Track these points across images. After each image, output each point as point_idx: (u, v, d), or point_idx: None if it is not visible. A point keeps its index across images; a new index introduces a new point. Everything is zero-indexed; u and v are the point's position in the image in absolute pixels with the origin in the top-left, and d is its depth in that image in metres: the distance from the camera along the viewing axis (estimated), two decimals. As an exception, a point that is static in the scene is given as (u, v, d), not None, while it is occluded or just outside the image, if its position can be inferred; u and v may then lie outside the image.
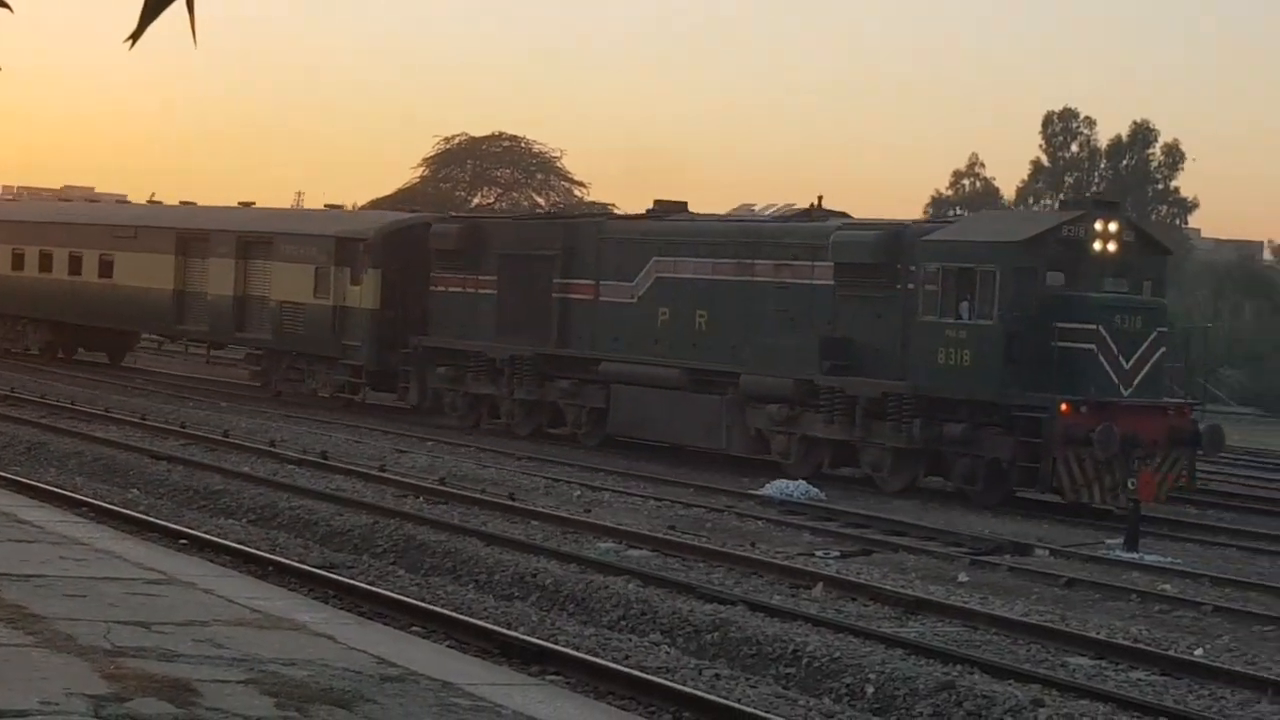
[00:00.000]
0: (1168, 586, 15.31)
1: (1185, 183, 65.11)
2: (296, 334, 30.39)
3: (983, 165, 68.19)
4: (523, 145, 58.17)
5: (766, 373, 22.84)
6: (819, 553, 16.33)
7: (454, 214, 29.18)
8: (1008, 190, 67.92)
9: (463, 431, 26.72)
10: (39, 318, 37.70)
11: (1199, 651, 12.21)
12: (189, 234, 33.84)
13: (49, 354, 37.70)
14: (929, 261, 20.77)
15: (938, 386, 20.73)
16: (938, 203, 67.17)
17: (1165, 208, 65.81)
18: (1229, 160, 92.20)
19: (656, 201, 26.68)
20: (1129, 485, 18.03)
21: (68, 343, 38.29)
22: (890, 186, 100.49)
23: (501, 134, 57.87)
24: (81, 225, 37.54)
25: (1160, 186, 65.42)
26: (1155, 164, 64.52)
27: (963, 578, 15.38)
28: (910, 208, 79.25)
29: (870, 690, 10.38)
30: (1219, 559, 17.63)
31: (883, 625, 12.55)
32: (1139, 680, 11.17)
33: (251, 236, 32.42)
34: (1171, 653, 12.02)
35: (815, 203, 24.35)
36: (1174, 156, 64.13)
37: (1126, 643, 12.26)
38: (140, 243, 34.79)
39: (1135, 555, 16.85)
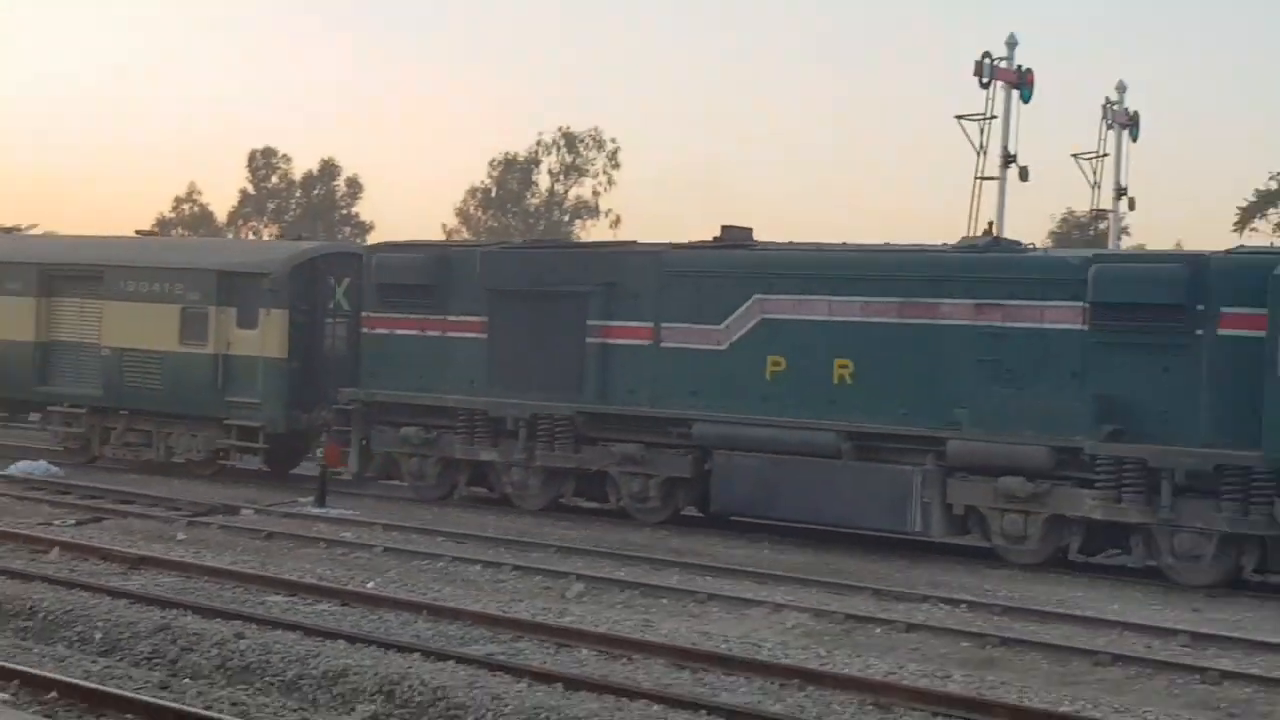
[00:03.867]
0: (348, 534, 22.50)
1: (363, 209, 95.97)
2: (144, 389, 29.12)
3: (200, 192, 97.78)
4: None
5: (996, 438, 21.26)
6: (56, 522, 22.50)
7: (398, 241, 28.35)
8: (220, 214, 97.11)
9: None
10: None
11: (371, 584, 18.24)
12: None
13: None
14: None
15: None
16: (162, 224, 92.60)
17: (349, 229, 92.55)
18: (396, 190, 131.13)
19: (724, 228, 25.79)
20: (318, 454, 26.10)
21: None
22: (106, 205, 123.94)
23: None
24: None
25: (345, 212, 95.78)
26: (340, 194, 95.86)
27: (181, 536, 21.87)
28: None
29: (98, 636, 14.77)
30: (391, 509, 25.38)
31: (110, 580, 17.62)
32: (324, 610, 16.57)
33: (66, 270, 30.81)
34: (350, 587, 17.85)
35: (988, 230, 23.82)
36: (355, 187, 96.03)
37: (314, 581, 18.13)
38: None
39: (324, 510, 24.69)
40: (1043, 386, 21.29)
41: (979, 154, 34.52)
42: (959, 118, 34.79)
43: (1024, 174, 34.30)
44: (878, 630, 17.02)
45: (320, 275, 28.79)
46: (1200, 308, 20.08)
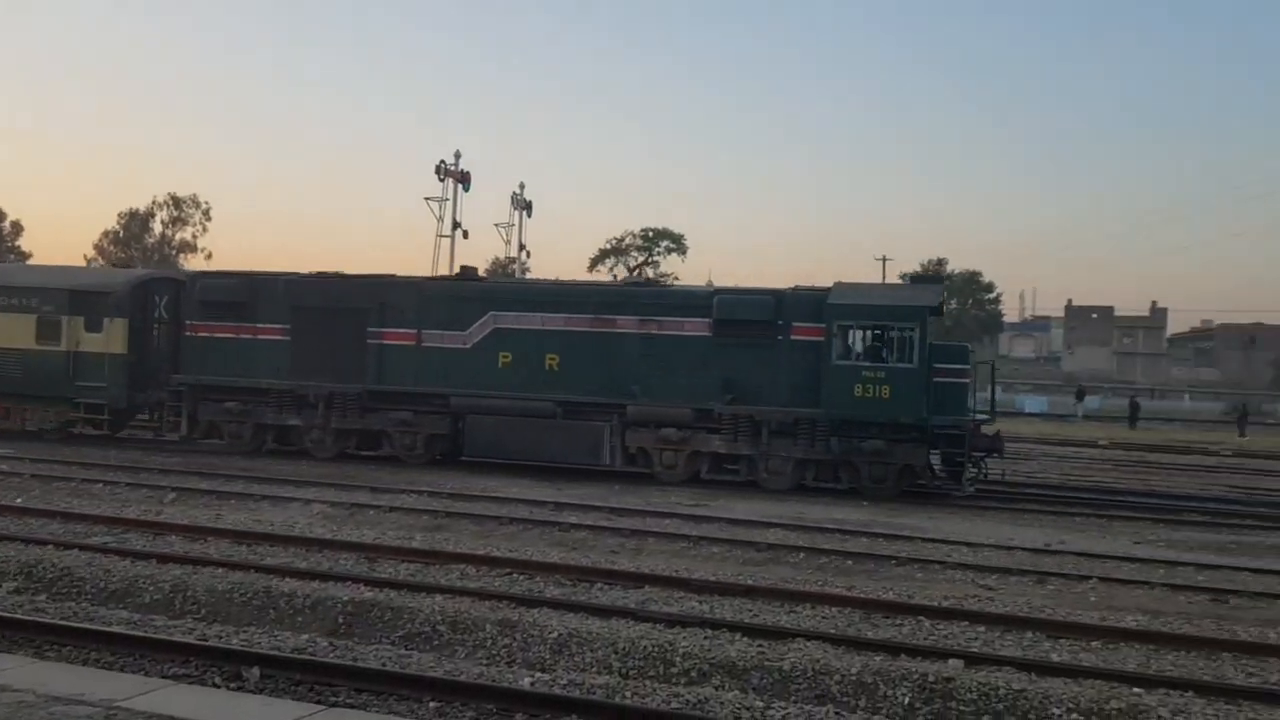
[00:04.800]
0: (4, 466, 22.68)
1: (25, 243, 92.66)
2: (5, 377, 28.09)
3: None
4: None
5: (658, 404, 23.84)
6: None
7: (216, 270, 28.19)
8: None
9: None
10: None
11: (19, 500, 18.57)
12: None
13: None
14: (840, 318, 22.38)
15: (855, 413, 22.56)
16: None
17: (13, 257, 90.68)
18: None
19: (463, 267, 27.70)
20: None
21: None
22: None
23: None
24: None
25: (10, 244, 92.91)
26: (6, 232, 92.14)
27: None
28: None
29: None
30: (39, 449, 25.56)
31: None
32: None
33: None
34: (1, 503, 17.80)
35: (641, 272, 27.98)
36: (18, 228, 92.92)
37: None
38: None
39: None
40: (685, 371, 23.71)
41: (439, 221, 42.42)
42: (426, 199, 42.80)
43: (466, 234, 42.39)
44: (371, 512, 18.58)
45: (149, 294, 28.46)
46: (781, 323, 23.15)
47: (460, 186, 42.54)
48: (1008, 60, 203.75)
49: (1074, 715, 9.40)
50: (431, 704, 9.05)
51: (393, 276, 26.83)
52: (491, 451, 24.99)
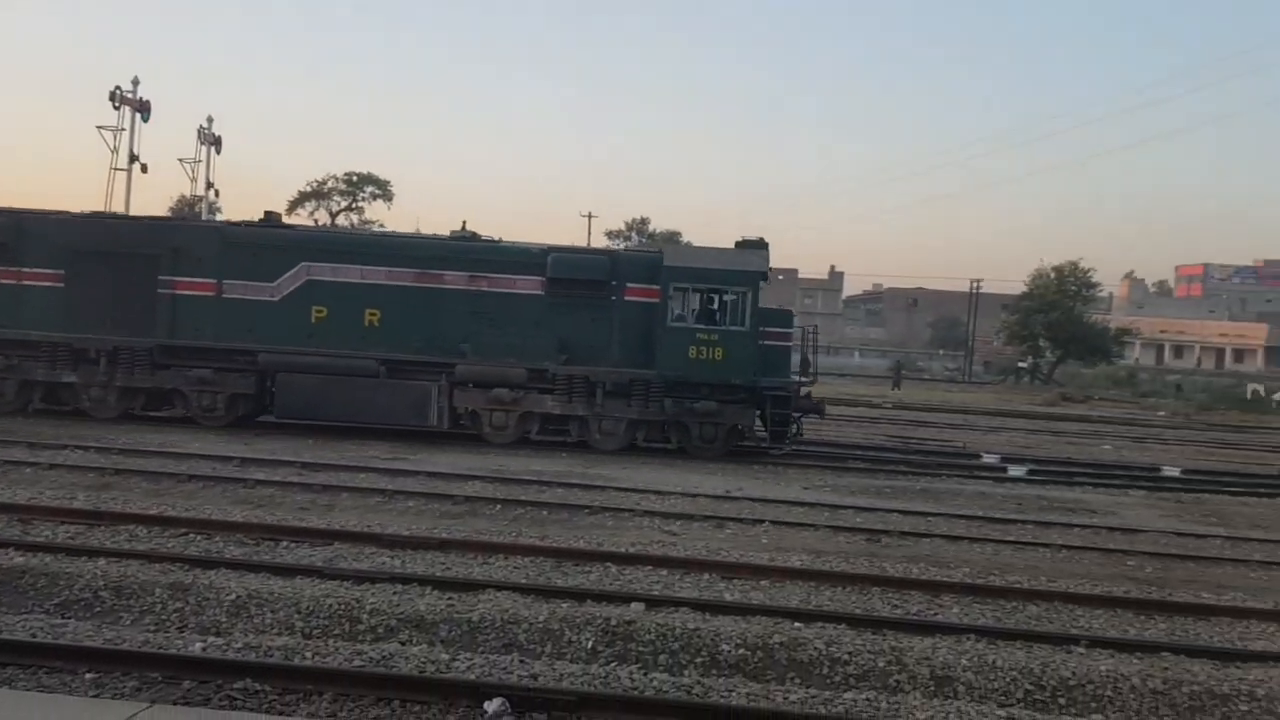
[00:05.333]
0: None
1: None
2: None
3: None
4: None
5: (490, 363, 23.68)
6: None
7: None
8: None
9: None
10: None
11: None
12: None
13: None
14: (676, 281, 22.96)
15: (689, 374, 23.23)
16: None
17: None
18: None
19: (266, 213, 26.07)
20: None
21: None
22: None
23: None
24: None
25: None
26: None
27: None
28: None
29: None
30: None
31: None
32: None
33: None
34: None
35: (464, 226, 26.93)
36: None
37: None
38: None
39: None
40: (518, 331, 23.57)
41: (114, 153, 38.95)
42: (99, 128, 39.02)
43: (144, 169, 38.89)
44: (28, 470, 17.37)
45: None
46: (614, 284, 23.42)
47: (139, 116, 39.24)
48: (714, 30, 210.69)
49: (741, 650, 10.02)
50: (88, 675, 8.70)
51: (185, 219, 25.08)
52: (306, 412, 23.96)
